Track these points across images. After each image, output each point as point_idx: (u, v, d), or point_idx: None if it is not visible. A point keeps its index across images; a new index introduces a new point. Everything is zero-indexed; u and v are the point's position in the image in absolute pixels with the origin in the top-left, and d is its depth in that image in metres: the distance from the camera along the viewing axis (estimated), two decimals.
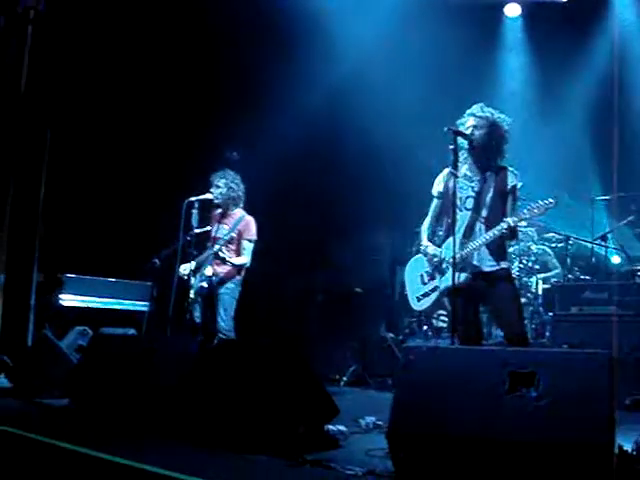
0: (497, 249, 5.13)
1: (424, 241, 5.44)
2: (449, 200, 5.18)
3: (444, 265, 5.22)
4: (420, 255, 5.51)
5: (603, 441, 3.33)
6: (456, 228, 5.09)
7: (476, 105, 5.31)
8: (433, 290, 5.33)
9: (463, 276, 5.07)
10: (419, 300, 5.45)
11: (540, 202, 4.97)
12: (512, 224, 4.97)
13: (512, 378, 3.59)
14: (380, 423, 4.99)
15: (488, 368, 3.70)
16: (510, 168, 5.23)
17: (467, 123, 5.23)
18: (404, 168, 9.72)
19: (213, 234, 6.99)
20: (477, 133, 5.18)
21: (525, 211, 5.01)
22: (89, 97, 8.81)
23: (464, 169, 5.29)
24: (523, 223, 6.13)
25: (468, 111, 5.29)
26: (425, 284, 5.40)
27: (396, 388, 4.02)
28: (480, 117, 5.22)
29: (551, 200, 4.95)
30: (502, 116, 5.29)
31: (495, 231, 5.01)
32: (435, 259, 5.32)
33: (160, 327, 7.31)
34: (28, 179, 8.27)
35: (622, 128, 9.29)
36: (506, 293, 5.13)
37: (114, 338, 6.29)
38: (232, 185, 7.00)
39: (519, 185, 5.20)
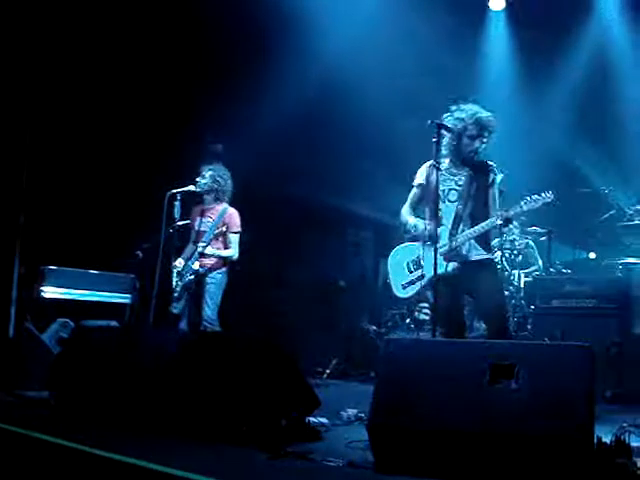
0: (484, 240, 5.25)
1: (412, 220, 5.46)
2: (430, 192, 5.27)
3: (428, 259, 5.25)
4: (407, 244, 5.55)
5: (582, 434, 3.35)
6: (443, 220, 5.21)
7: (460, 100, 5.38)
8: (419, 278, 5.37)
9: (451, 265, 5.16)
10: (404, 288, 5.48)
11: (537, 196, 5.05)
12: (509, 215, 5.08)
13: (492, 370, 3.61)
14: (362, 415, 5.02)
15: (469, 360, 3.71)
16: (490, 162, 5.35)
17: (451, 118, 5.30)
18: (387, 161, 9.74)
19: (197, 228, 6.96)
20: (459, 127, 5.27)
21: (522, 204, 5.10)
22: (72, 88, 8.75)
23: (446, 162, 5.37)
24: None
25: (452, 107, 5.36)
26: (411, 272, 5.44)
27: (377, 380, 4.03)
28: (464, 111, 5.30)
29: (550, 194, 5.03)
30: (483, 112, 5.34)
31: (487, 223, 5.13)
32: (408, 259, 5.43)
33: (142, 319, 7.29)
34: (9, 171, 8.22)
35: (607, 121, 9.37)
36: (491, 285, 5.21)
37: (96, 330, 6.25)
38: (218, 178, 6.98)
39: (499, 178, 5.31)
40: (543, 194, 5.08)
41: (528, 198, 5.10)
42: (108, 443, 4.02)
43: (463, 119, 5.27)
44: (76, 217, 8.80)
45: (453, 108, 5.35)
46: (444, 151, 5.34)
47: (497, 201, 5.25)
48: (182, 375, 4.82)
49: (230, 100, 9.19)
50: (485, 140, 5.31)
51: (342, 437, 4.49)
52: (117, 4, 8.68)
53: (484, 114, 5.31)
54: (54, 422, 4.86)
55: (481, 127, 5.29)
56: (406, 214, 5.56)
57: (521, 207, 5.10)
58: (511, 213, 5.10)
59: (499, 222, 5.08)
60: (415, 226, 5.41)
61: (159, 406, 4.74)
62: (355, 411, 5.22)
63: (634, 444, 3.70)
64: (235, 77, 9.39)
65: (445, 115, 5.34)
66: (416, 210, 5.54)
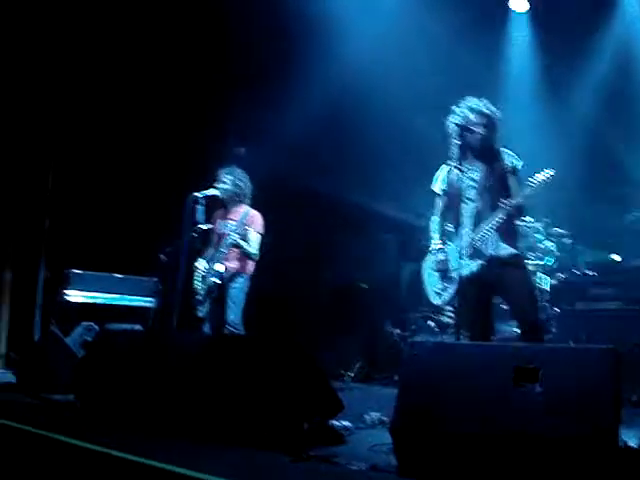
0: (508, 233, 5.15)
1: (435, 241, 5.45)
2: (454, 195, 5.19)
3: (453, 262, 5.22)
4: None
5: (608, 437, 3.31)
6: (464, 220, 5.12)
7: (472, 98, 5.31)
8: (451, 282, 5.32)
9: (478, 265, 5.08)
10: (438, 295, 5.43)
11: (538, 175, 4.96)
12: (518, 202, 5.00)
13: (517, 373, 3.58)
14: (385, 419, 4.99)
15: (492, 363, 3.69)
16: (505, 150, 5.27)
17: (466, 117, 5.23)
18: (411, 163, 9.71)
19: (218, 231, 6.97)
20: (477, 129, 5.21)
21: (526, 188, 5.01)
22: (98, 92, 8.82)
23: (464, 162, 5.29)
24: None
25: (465, 104, 5.29)
26: (444, 278, 5.38)
27: (400, 384, 4.02)
28: (478, 112, 5.24)
29: (549, 171, 4.95)
30: (493, 108, 5.30)
31: (499, 212, 5.03)
32: (440, 265, 5.36)
33: (166, 323, 7.32)
34: (35, 175, 8.30)
35: (634, 118, 9.28)
36: (520, 279, 5.13)
37: (120, 334, 6.29)
38: (238, 182, 6.98)
39: (520, 165, 5.21)
40: (543, 172, 4.98)
41: (530, 179, 5.00)
42: (133, 446, 4.04)
43: (463, 111, 5.22)
44: (100, 221, 8.87)
45: (467, 107, 5.27)
46: (458, 151, 5.28)
47: (518, 188, 5.14)
48: (205, 378, 4.83)
49: (254, 102, 9.21)
50: (488, 127, 5.24)
51: (365, 441, 4.47)
52: (142, 7, 8.74)
53: (493, 109, 5.27)
54: (79, 425, 4.89)
55: (493, 125, 5.24)
56: (435, 231, 5.51)
57: (524, 192, 5.02)
58: (519, 199, 5.02)
59: (509, 210, 5.00)
60: (435, 253, 5.42)
61: (183, 410, 4.76)
62: (378, 414, 5.20)
63: None
64: (259, 79, 9.43)
65: (457, 112, 5.28)
66: (446, 218, 5.45)
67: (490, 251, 5.12)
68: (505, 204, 5.00)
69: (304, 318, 9.66)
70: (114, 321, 7.24)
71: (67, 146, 8.50)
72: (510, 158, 5.23)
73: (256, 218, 6.96)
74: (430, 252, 5.53)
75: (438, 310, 8.71)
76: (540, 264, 8.38)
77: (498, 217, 5.05)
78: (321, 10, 8.92)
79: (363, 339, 9.14)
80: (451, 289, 5.30)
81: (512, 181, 5.18)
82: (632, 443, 3.66)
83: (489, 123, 5.23)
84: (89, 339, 6.80)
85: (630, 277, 7.57)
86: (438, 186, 5.45)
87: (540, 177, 4.98)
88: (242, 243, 6.77)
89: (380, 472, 3.71)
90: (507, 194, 5.13)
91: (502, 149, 5.27)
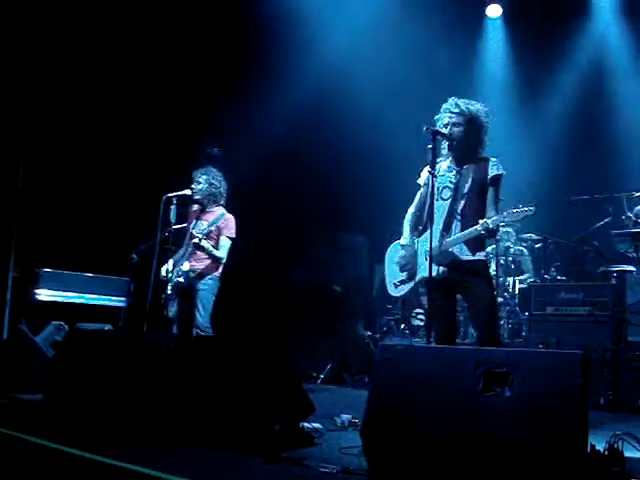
0: (474, 242, 5.08)
1: (404, 234, 5.43)
2: (427, 194, 5.16)
3: (418, 260, 5.22)
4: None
5: (575, 441, 3.35)
6: (436, 219, 5.07)
7: (451, 99, 5.26)
8: (410, 279, 5.31)
9: (441, 269, 5.05)
10: (396, 287, 5.41)
11: (521, 208, 4.92)
12: (491, 227, 4.92)
13: (486, 377, 3.61)
14: (356, 421, 5.02)
15: (462, 367, 3.71)
16: (492, 158, 5.18)
17: (444, 120, 5.20)
18: (384, 166, 9.75)
19: (191, 230, 6.94)
20: (455, 130, 5.16)
21: (505, 214, 4.92)
22: (69, 91, 8.75)
23: (445, 164, 5.29)
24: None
25: (444, 106, 5.25)
26: (403, 271, 5.36)
27: (371, 386, 4.03)
28: (456, 113, 5.18)
29: (531, 208, 4.90)
30: (479, 106, 5.25)
31: (473, 231, 4.97)
32: (402, 260, 5.35)
33: (137, 323, 7.28)
34: (4, 173, 8.20)
35: (605, 124, 9.39)
36: (481, 289, 5.07)
37: (90, 333, 6.24)
38: (213, 182, 6.95)
39: (502, 174, 5.12)
40: (526, 208, 4.93)
41: (512, 210, 4.92)
42: (101, 447, 4.02)
43: (457, 120, 5.15)
44: (71, 220, 8.78)
45: (444, 109, 5.23)
46: (443, 151, 5.25)
47: (495, 199, 5.09)
48: (175, 379, 4.81)
49: (227, 104, 9.20)
50: (483, 137, 5.23)
51: (336, 443, 4.49)
52: (115, 5, 8.69)
53: (479, 107, 5.22)
54: (47, 425, 4.85)
55: (476, 124, 5.19)
56: (407, 221, 5.47)
57: (503, 217, 4.92)
58: (493, 223, 4.91)
59: (482, 232, 4.93)
60: (403, 246, 5.39)
61: (152, 411, 4.73)
62: (349, 416, 5.21)
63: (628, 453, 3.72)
64: (233, 81, 9.41)
65: (438, 116, 5.25)
66: (421, 213, 5.37)
67: (455, 256, 5.09)
68: (480, 226, 4.93)
69: (276, 320, 9.66)
70: (84, 320, 7.17)
71: (38, 143, 8.41)
72: (494, 167, 5.14)
73: (229, 222, 6.92)
74: (395, 242, 5.53)
75: (409, 313, 8.77)
76: (511, 268, 8.47)
77: (469, 233, 4.99)
78: (295, 12, 8.95)
79: (334, 341, 9.15)
80: (409, 285, 5.31)
81: (490, 192, 5.12)
82: (600, 447, 3.69)
83: (466, 122, 5.17)
84: (59, 338, 6.74)
85: (600, 282, 7.65)
86: (421, 179, 5.43)
87: (522, 211, 4.92)
88: (205, 245, 6.72)
89: (351, 474, 3.71)
90: (482, 203, 5.09)
91: (489, 157, 5.20)
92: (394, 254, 5.49)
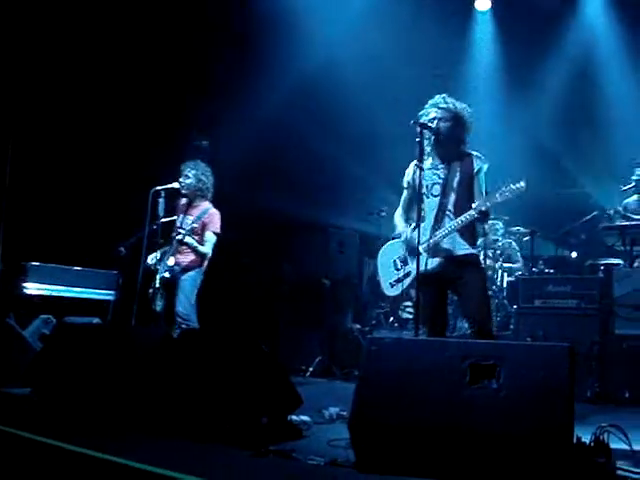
0: (469, 234, 5.14)
1: (400, 226, 5.45)
2: (415, 191, 5.19)
3: (409, 257, 5.25)
4: (394, 241, 5.50)
5: (561, 433, 3.37)
6: (425, 214, 5.12)
7: (438, 96, 5.31)
8: (406, 276, 5.30)
9: (436, 262, 5.08)
10: (392, 286, 5.42)
11: (512, 186, 4.94)
12: (484, 208, 4.96)
13: (473, 370, 3.63)
14: (344, 414, 5.01)
15: (449, 360, 3.72)
16: (475, 153, 5.24)
17: (430, 115, 5.24)
18: (374, 159, 9.76)
19: (178, 224, 6.94)
20: (442, 125, 5.21)
21: (497, 195, 4.95)
22: (55, 85, 8.71)
23: (430, 160, 5.31)
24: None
25: (430, 102, 5.30)
26: (398, 270, 5.37)
27: (359, 379, 4.04)
28: (443, 109, 5.23)
29: (522, 184, 4.91)
30: (464, 106, 5.30)
31: (467, 216, 5.01)
32: (396, 257, 5.38)
33: (125, 316, 7.26)
34: None
35: (593, 117, 9.41)
36: (475, 283, 5.12)
37: (78, 327, 6.22)
38: (201, 177, 6.96)
39: (485, 167, 5.18)
40: (516, 185, 4.96)
41: (503, 188, 4.96)
42: (89, 440, 4.01)
43: (443, 116, 5.20)
44: (59, 213, 8.76)
45: (431, 104, 5.28)
46: (428, 148, 5.30)
47: (483, 192, 5.12)
48: (163, 373, 4.81)
49: (216, 99, 9.18)
50: (466, 135, 5.27)
51: (324, 435, 4.49)
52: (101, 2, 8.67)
53: (464, 107, 5.27)
54: (35, 419, 4.84)
55: (461, 122, 5.24)
56: (397, 218, 5.51)
57: (495, 198, 4.95)
58: (487, 205, 4.96)
59: (476, 216, 4.98)
60: (400, 234, 5.41)
61: (141, 404, 4.73)
62: (337, 409, 5.22)
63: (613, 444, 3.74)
64: (221, 76, 9.40)
65: (423, 112, 5.29)
66: (409, 211, 5.46)
67: (449, 250, 5.12)
68: (473, 210, 4.99)
69: (265, 313, 9.66)
70: (72, 314, 7.16)
71: (24, 136, 8.38)
72: (478, 161, 5.20)
73: (214, 217, 6.92)
74: (390, 243, 5.55)
75: (397, 306, 8.77)
76: (499, 261, 8.50)
77: (464, 219, 5.04)
78: (282, 10, 8.94)
79: (323, 334, 9.15)
80: (405, 282, 5.32)
81: (476, 183, 5.16)
82: (586, 439, 3.71)
83: (453, 118, 5.21)
84: (47, 332, 6.73)
85: (587, 275, 7.69)
86: (405, 179, 5.46)
87: (513, 189, 4.94)
88: (189, 241, 6.73)
89: (338, 467, 3.73)
90: (471, 196, 5.12)
91: (472, 152, 5.25)
92: (388, 254, 5.50)
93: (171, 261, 6.75)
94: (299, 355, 8.80)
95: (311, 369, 8.54)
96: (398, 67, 9.51)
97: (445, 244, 5.12)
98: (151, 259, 6.84)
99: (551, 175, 9.29)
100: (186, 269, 6.80)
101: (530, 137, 9.78)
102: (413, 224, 5.36)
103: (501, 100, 9.78)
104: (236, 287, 9.75)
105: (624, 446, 3.84)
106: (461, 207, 5.11)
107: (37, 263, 7.68)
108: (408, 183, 5.44)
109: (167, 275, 6.73)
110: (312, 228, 10.37)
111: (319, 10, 9.35)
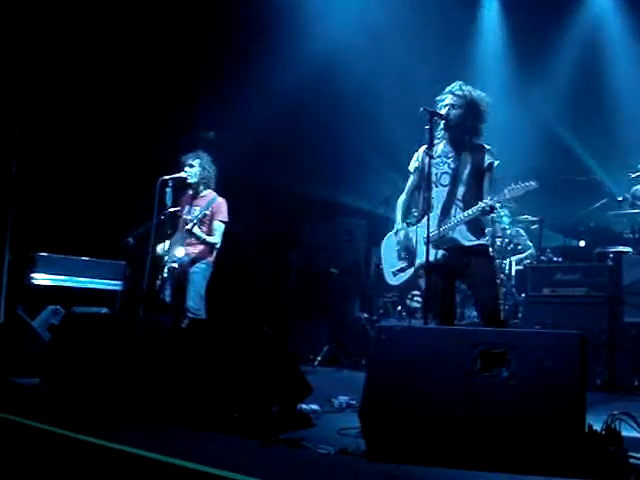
0: (476, 226, 5.12)
1: (397, 220, 5.44)
2: (424, 177, 5.17)
3: (416, 246, 5.22)
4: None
5: (573, 420, 3.36)
6: (433, 204, 5.09)
7: (456, 83, 5.27)
8: (409, 266, 5.30)
9: (440, 253, 5.07)
10: (395, 275, 5.41)
11: (521, 183, 4.94)
12: (491, 204, 4.95)
13: (483, 358, 3.62)
14: (353, 402, 5.03)
15: (460, 348, 3.71)
16: (487, 146, 5.21)
17: (445, 101, 5.21)
18: (380, 149, 9.74)
19: (184, 216, 6.93)
20: (453, 112, 5.17)
21: (506, 191, 4.95)
22: (62, 77, 8.71)
23: (441, 147, 5.28)
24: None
25: (447, 88, 5.27)
26: (402, 259, 5.37)
27: (368, 367, 4.04)
28: (458, 95, 5.19)
29: (532, 182, 4.92)
30: (482, 95, 5.25)
31: (474, 210, 4.99)
32: (398, 246, 5.36)
33: (133, 306, 7.27)
34: None
35: (601, 104, 9.36)
36: (485, 271, 5.10)
37: (86, 317, 6.24)
38: (206, 166, 6.98)
39: (496, 163, 5.16)
40: (527, 183, 4.94)
41: (513, 185, 4.96)
42: (98, 430, 4.02)
43: (457, 103, 5.17)
44: (67, 203, 8.78)
45: (448, 90, 5.24)
46: (438, 135, 5.25)
47: (491, 185, 5.10)
48: (173, 362, 4.81)
49: (223, 90, 9.17)
50: (480, 124, 5.25)
51: (334, 424, 4.48)
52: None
53: (481, 96, 5.23)
54: (45, 409, 4.85)
55: (475, 111, 5.20)
56: (398, 206, 5.49)
57: (504, 195, 4.97)
58: (495, 200, 4.96)
59: (483, 211, 4.95)
60: (397, 232, 5.40)
61: (150, 394, 4.73)
62: (346, 398, 5.23)
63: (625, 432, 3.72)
64: (228, 68, 9.38)
65: (440, 97, 5.25)
66: (413, 197, 5.45)
67: (456, 241, 5.10)
68: (482, 205, 4.96)
69: (273, 302, 9.67)
70: (81, 304, 7.18)
71: (32, 127, 8.38)
72: (489, 155, 5.17)
73: (221, 206, 6.91)
74: (391, 232, 5.53)
75: (406, 295, 8.76)
76: (509, 249, 8.47)
77: (470, 213, 5.01)
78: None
79: (331, 323, 9.15)
80: (409, 272, 5.30)
81: (486, 178, 5.14)
82: (597, 427, 3.70)
83: (466, 106, 5.17)
84: (55, 322, 6.73)
85: (596, 263, 7.65)
86: (412, 165, 5.42)
87: (523, 186, 4.93)
88: (198, 232, 6.71)
89: (348, 456, 3.72)
90: (480, 189, 5.10)
91: (485, 145, 5.21)
92: (390, 244, 5.49)
93: (180, 252, 6.73)
94: (307, 344, 8.81)
95: (319, 358, 8.55)
96: (402, 56, 9.47)
97: (452, 235, 5.10)
98: (161, 249, 6.85)
99: (560, 163, 9.23)
100: (195, 260, 6.79)
101: (539, 125, 9.72)
102: (413, 217, 5.35)
103: (510, 88, 9.72)
104: (244, 277, 9.76)
105: (636, 434, 3.83)
106: (470, 199, 5.09)
107: (45, 254, 7.70)
108: (415, 169, 5.39)
109: (175, 266, 6.72)
110: (320, 216, 10.37)
111: (321, 4, 9.35)
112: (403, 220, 5.40)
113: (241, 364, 4.53)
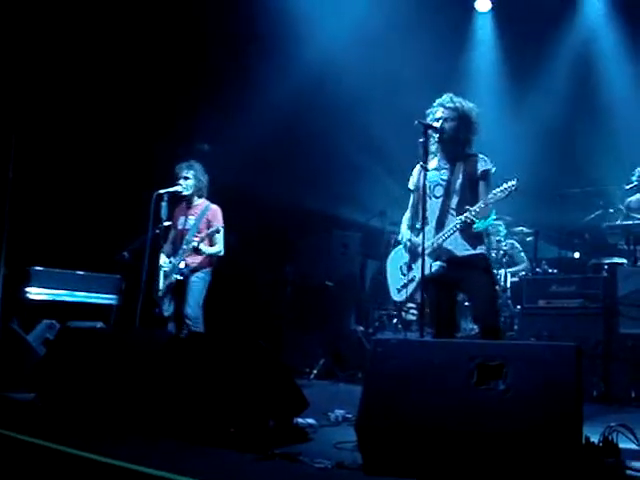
0: (471, 235, 5.09)
1: (403, 230, 5.45)
2: (420, 193, 5.17)
3: (415, 260, 5.23)
4: (401, 247, 5.49)
5: (571, 433, 3.35)
6: (427, 217, 5.09)
7: (446, 95, 5.29)
8: (411, 281, 5.31)
9: (436, 265, 5.07)
10: (399, 291, 5.42)
11: (504, 185, 4.93)
12: (473, 214, 4.93)
13: (480, 370, 3.61)
14: (349, 416, 5.01)
15: (456, 361, 3.71)
16: (480, 155, 5.23)
17: (436, 114, 5.23)
18: (375, 161, 9.76)
19: (180, 227, 6.96)
20: (446, 125, 5.19)
21: (490, 196, 4.95)
22: (59, 89, 8.71)
23: (435, 160, 5.30)
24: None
25: (437, 101, 5.29)
26: (404, 275, 5.37)
27: (365, 381, 4.03)
28: (449, 108, 5.21)
29: (512, 182, 4.90)
30: (472, 106, 5.28)
31: (462, 218, 4.98)
32: (402, 262, 5.39)
33: (128, 320, 7.26)
34: None
35: (593, 120, 9.39)
36: (480, 283, 5.09)
37: (82, 331, 6.21)
38: (199, 176, 7.05)
39: (492, 169, 5.17)
40: (507, 184, 4.90)
41: (494, 191, 4.93)
42: (94, 445, 4.00)
43: (449, 116, 5.18)
44: (62, 218, 8.76)
45: (438, 103, 5.27)
46: (432, 148, 5.27)
47: (486, 193, 5.07)
48: (169, 376, 4.80)
49: (218, 103, 9.19)
50: (471, 136, 5.26)
51: (330, 438, 4.47)
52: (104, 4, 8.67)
53: (471, 107, 5.25)
54: (40, 424, 4.82)
55: (467, 122, 5.23)
56: (404, 223, 5.50)
57: (488, 200, 4.93)
58: (480, 206, 4.94)
59: (469, 219, 4.94)
60: (405, 238, 5.40)
61: (146, 408, 4.72)
62: (343, 412, 5.21)
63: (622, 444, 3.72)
64: (222, 81, 9.40)
65: (430, 110, 5.28)
66: (416, 216, 5.41)
67: (452, 251, 5.11)
68: (470, 210, 4.96)
69: (268, 315, 9.65)
70: (76, 319, 7.16)
71: (27, 141, 8.37)
72: (482, 162, 5.18)
73: (216, 213, 6.98)
74: (395, 249, 5.55)
75: (401, 307, 8.76)
76: (504, 261, 8.48)
77: (461, 221, 5.02)
78: (284, 12, 8.94)
79: (327, 336, 9.14)
80: (411, 286, 5.31)
81: (482, 186, 5.14)
82: (594, 439, 3.69)
83: (458, 118, 5.19)
84: (50, 337, 6.71)
85: (591, 275, 7.66)
86: (411, 182, 5.44)
87: (504, 188, 4.90)
88: (204, 249, 6.78)
89: (345, 469, 3.71)
90: (475, 198, 5.09)
91: (478, 154, 5.23)
92: (397, 260, 5.49)
93: (182, 264, 6.79)
94: (302, 357, 8.79)
95: (315, 372, 8.53)
96: (396, 66, 9.50)
97: (447, 245, 5.11)
98: (164, 261, 6.88)
99: (554, 175, 9.26)
100: (195, 269, 6.83)
101: (531, 138, 9.75)
102: (417, 227, 5.35)
103: (501, 101, 9.76)
104: (239, 290, 9.75)
105: (633, 446, 3.82)
106: (463, 210, 5.08)
107: (41, 268, 7.68)
108: (415, 186, 5.41)
109: (179, 277, 6.77)
110: (315, 230, 10.37)
111: (318, 11, 9.36)
112: (409, 235, 5.40)
113: (237, 378, 4.52)
